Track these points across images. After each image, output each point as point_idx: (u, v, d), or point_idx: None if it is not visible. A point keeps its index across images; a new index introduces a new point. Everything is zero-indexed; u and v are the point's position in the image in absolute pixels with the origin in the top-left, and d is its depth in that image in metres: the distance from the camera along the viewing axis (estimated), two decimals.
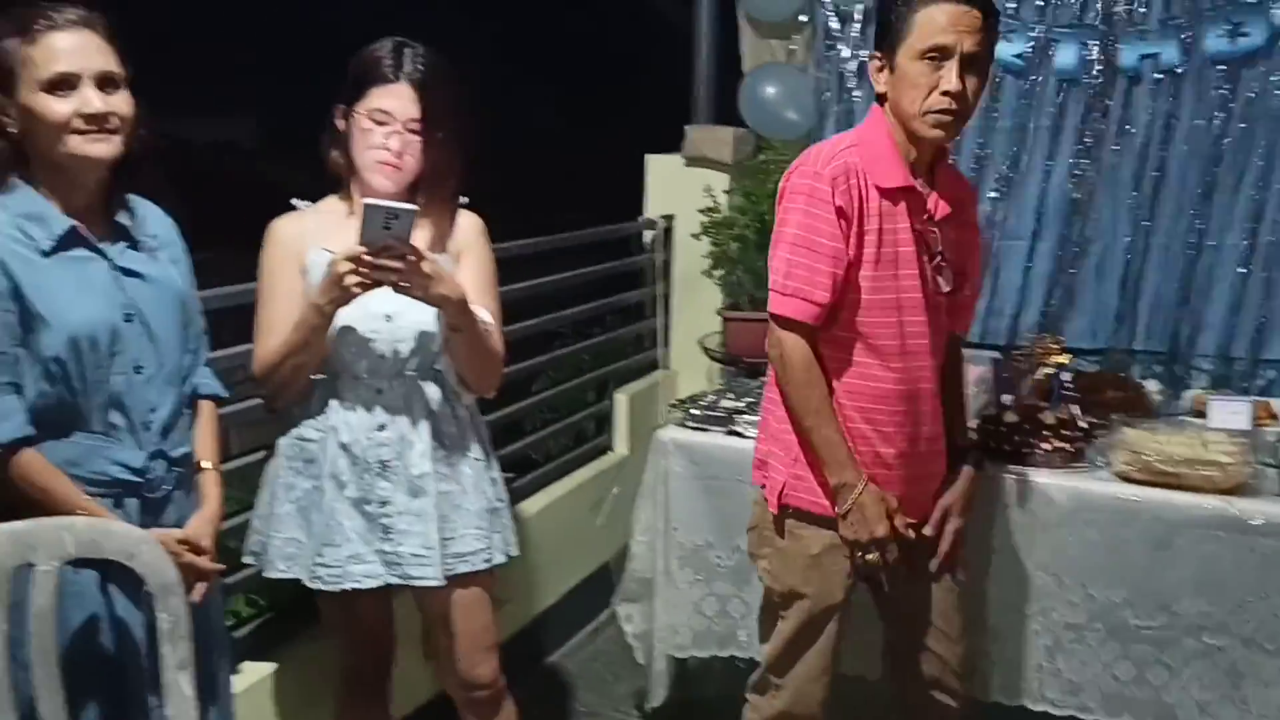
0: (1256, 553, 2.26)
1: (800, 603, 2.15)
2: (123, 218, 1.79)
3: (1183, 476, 2.33)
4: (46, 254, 1.68)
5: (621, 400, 3.75)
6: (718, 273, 3.73)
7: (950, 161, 2.21)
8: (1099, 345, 3.28)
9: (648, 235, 3.95)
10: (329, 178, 2.22)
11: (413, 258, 1.96)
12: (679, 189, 3.84)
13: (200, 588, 1.78)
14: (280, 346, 2.08)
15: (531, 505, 3.34)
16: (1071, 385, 2.77)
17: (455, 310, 2.06)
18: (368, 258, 1.94)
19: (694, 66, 3.97)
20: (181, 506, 1.83)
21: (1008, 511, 2.43)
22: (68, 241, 1.70)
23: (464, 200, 2.25)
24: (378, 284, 1.98)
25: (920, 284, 2.07)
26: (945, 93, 1.96)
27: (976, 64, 1.98)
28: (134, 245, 1.79)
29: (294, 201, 2.22)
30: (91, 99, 1.67)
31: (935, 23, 1.95)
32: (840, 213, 2.01)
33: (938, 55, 1.96)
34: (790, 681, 2.21)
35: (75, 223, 1.71)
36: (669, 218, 3.92)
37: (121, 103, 1.70)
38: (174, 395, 1.82)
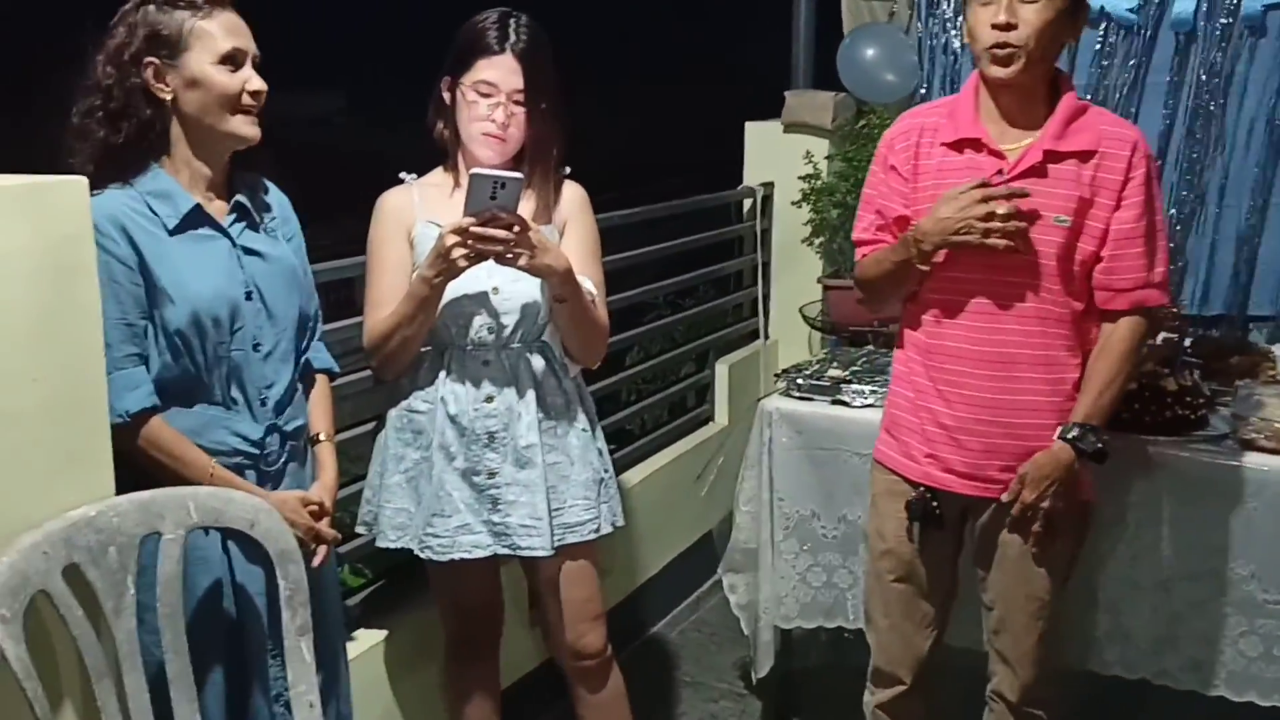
0: None
1: (868, 546, 2.28)
2: (243, 197, 1.83)
3: None
4: (172, 232, 1.73)
5: (722, 370, 3.74)
6: (818, 240, 3.69)
7: (1090, 109, 2.06)
8: (1215, 311, 3.16)
9: (747, 203, 3.92)
10: (437, 149, 2.23)
11: (519, 227, 1.96)
12: (778, 156, 3.79)
13: (321, 551, 1.83)
14: (389, 319, 2.10)
15: (633, 476, 3.35)
16: (1192, 351, 2.68)
17: (561, 280, 2.06)
18: (475, 229, 1.95)
19: (793, 30, 3.91)
20: (296, 478, 1.88)
21: (1126, 483, 2.35)
22: (192, 220, 1.75)
23: (567, 170, 2.24)
24: (484, 257, 1.99)
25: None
26: (994, 26, 1.94)
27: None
28: (253, 224, 1.84)
29: (402, 175, 2.24)
30: (254, 78, 1.75)
31: None
32: (894, 170, 2.14)
33: None
34: (873, 633, 2.31)
35: (198, 201, 1.75)
36: (768, 185, 3.87)
37: (262, 83, 1.77)
38: (289, 371, 1.85)
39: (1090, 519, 2.17)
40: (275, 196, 1.92)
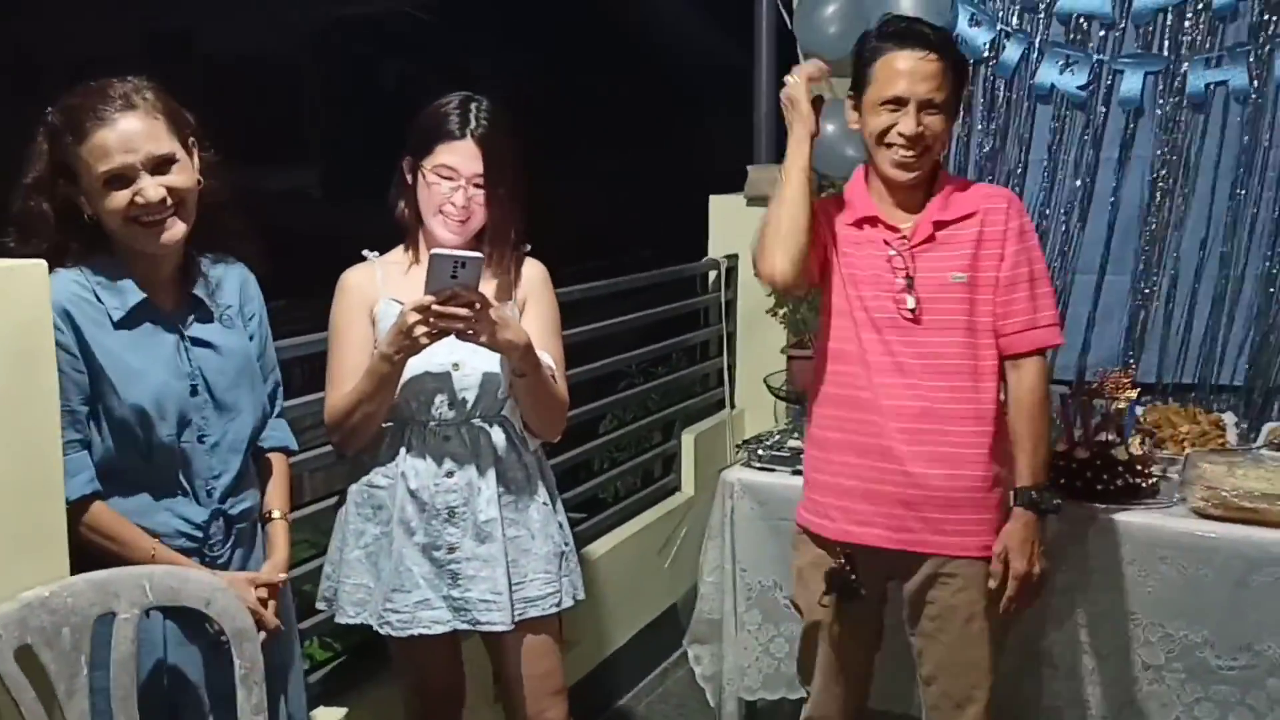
0: None
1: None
2: (199, 289, 1.82)
3: (1261, 512, 2.28)
4: (117, 325, 1.72)
5: (688, 440, 3.76)
6: (781, 311, 3.73)
7: (965, 181, 2.26)
8: (1171, 380, 3.22)
9: (712, 275, 3.97)
10: (397, 228, 2.27)
11: (479, 305, 2.00)
12: (742, 228, 3.83)
13: (260, 636, 1.80)
14: (350, 395, 2.12)
15: (599, 547, 3.35)
16: (1144, 420, 2.73)
17: (521, 356, 2.09)
18: (436, 307, 1.98)
19: (754, 106, 4.00)
20: (243, 563, 1.86)
21: (1080, 549, 2.39)
22: (139, 314, 1.74)
23: (527, 248, 2.28)
24: (445, 333, 2.02)
25: (892, 304, 2.15)
26: (902, 135, 2.09)
27: (937, 108, 2.10)
28: (207, 315, 1.83)
29: (365, 252, 2.27)
30: (145, 188, 1.68)
31: (891, 71, 2.10)
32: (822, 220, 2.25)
33: (894, 104, 2.09)
34: (807, 689, 2.39)
35: (145, 296, 1.74)
36: (732, 257, 3.93)
37: (178, 179, 1.72)
38: (238, 460, 1.85)
39: None
40: (238, 277, 1.91)
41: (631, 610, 3.46)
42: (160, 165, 1.71)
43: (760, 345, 3.82)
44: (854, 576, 2.20)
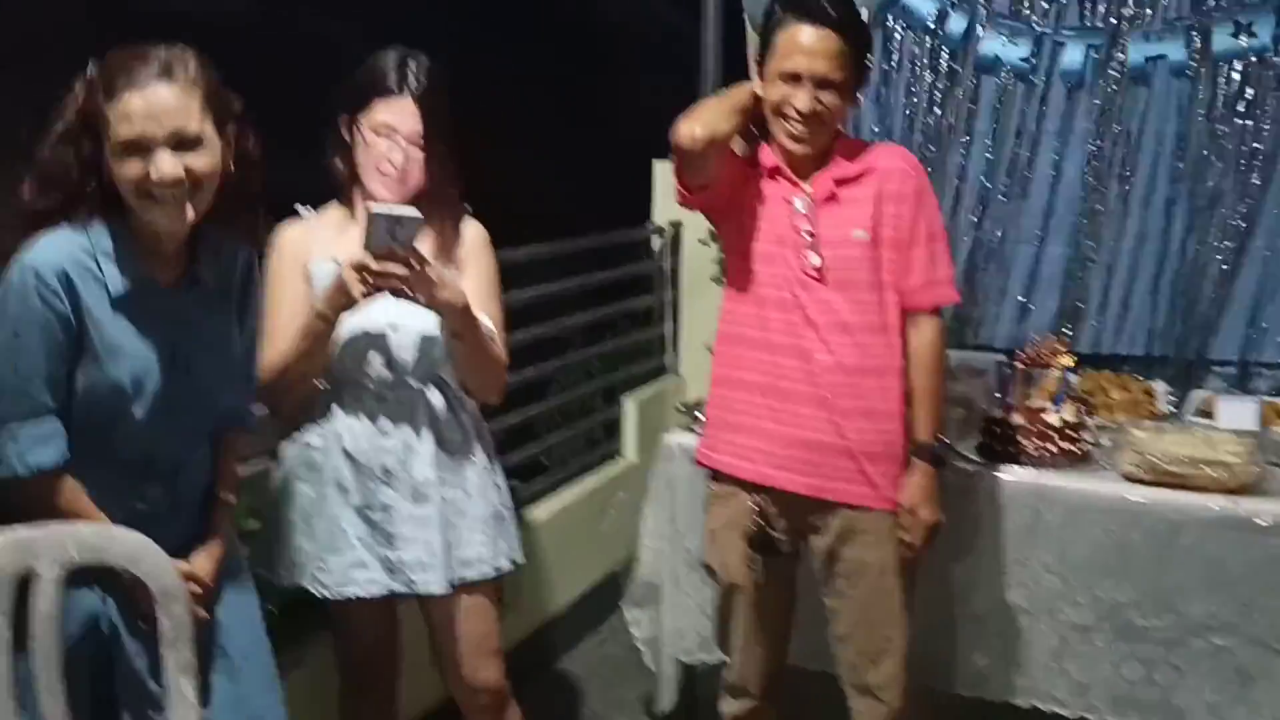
0: (1264, 552, 2.25)
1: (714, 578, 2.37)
2: (203, 267, 1.76)
3: (1189, 477, 2.32)
4: (114, 298, 1.66)
5: (631, 406, 3.76)
6: (725, 280, 3.73)
7: (860, 142, 2.29)
8: (1106, 350, 3.26)
9: (656, 241, 3.96)
10: (332, 185, 2.23)
11: (417, 263, 1.97)
12: None
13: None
14: (285, 354, 2.09)
15: (541, 511, 3.36)
16: (1077, 387, 2.77)
17: (458, 316, 2.07)
18: (374, 265, 1.96)
19: (700, 71, 3.98)
20: (185, 532, 1.82)
21: (1013, 512, 2.42)
22: (136, 289, 1.68)
23: (467, 209, 2.26)
24: (382, 290, 1.99)
25: (795, 260, 2.18)
26: (797, 110, 2.12)
27: (834, 86, 2.12)
28: (205, 297, 1.78)
29: (298, 208, 2.24)
30: (162, 163, 1.60)
31: (791, 45, 2.11)
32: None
33: (791, 79, 2.11)
34: (727, 649, 2.41)
35: (145, 270, 1.69)
36: (676, 224, 3.93)
37: (199, 161, 1.63)
38: (203, 441, 1.82)
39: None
40: (243, 260, 1.85)
41: (572, 574, 3.47)
42: (184, 143, 1.62)
43: (703, 312, 3.81)
44: (772, 532, 2.24)
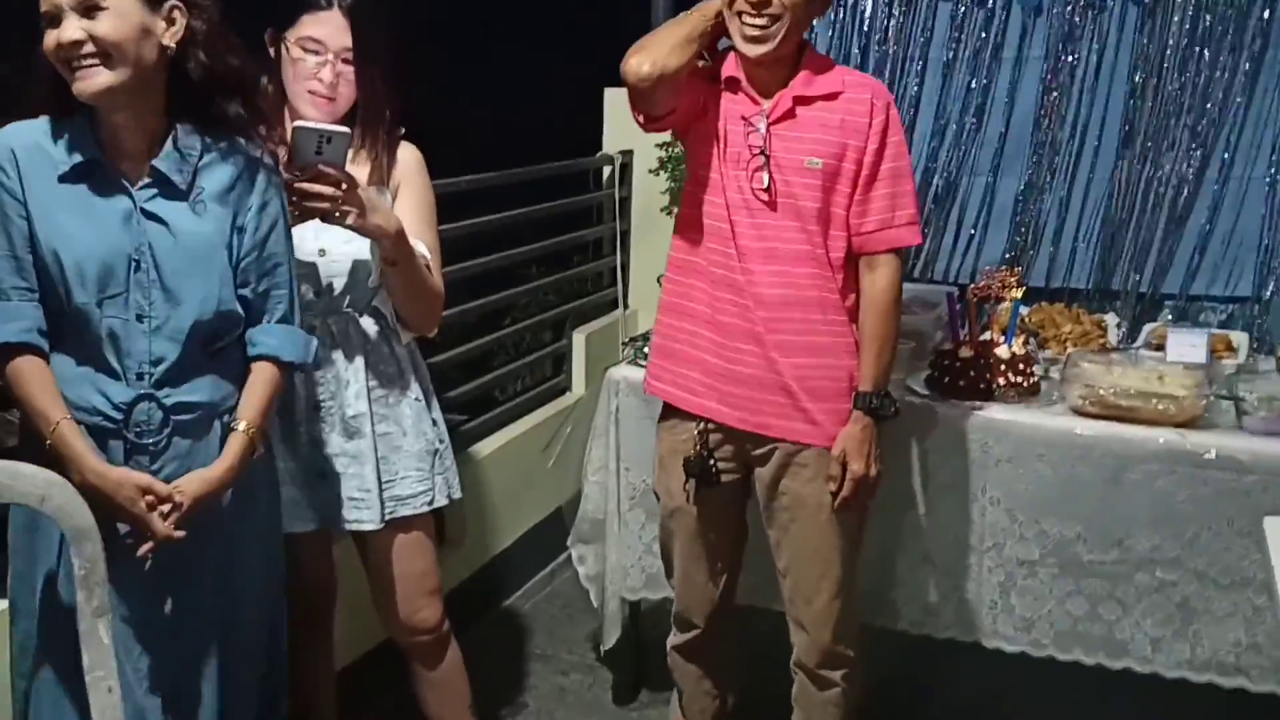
0: (1209, 486, 2.23)
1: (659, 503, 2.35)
2: (168, 163, 1.70)
3: (1136, 410, 2.29)
4: (61, 178, 1.66)
5: (579, 340, 3.70)
6: (676, 209, 3.66)
7: (833, 63, 2.16)
8: (1057, 283, 3.23)
9: (606, 170, 3.87)
10: None
11: (346, 184, 1.88)
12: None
13: (145, 545, 1.70)
14: None
15: (487, 446, 3.30)
16: (1029, 320, 2.74)
17: (392, 243, 1.98)
18: (300, 184, 1.86)
19: None
20: (187, 459, 1.75)
21: (961, 447, 2.39)
22: (85, 171, 1.67)
23: (402, 131, 2.16)
24: (310, 215, 1.90)
25: (744, 183, 2.09)
26: (748, 2, 1.99)
27: None
28: (174, 192, 1.71)
29: None
30: (65, 28, 1.60)
31: None
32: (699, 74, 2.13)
33: None
34: (672, 581, 2.39)
35: (96, 156, 1.68)
36: (627, 153, 3.83)
37: (104, 25, 1.61)
38: (178, 349, 1.72)
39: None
40: (239, 164, 1.76)
41: (519, 510, 3.42)
42: (89, 9, 1.61)
43: (654, 244, 3.74)
44: (711, 461, 2.19)
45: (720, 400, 2.17)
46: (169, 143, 1.71)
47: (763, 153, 2.07)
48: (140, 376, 1.70)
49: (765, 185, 2.07)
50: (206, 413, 1.76)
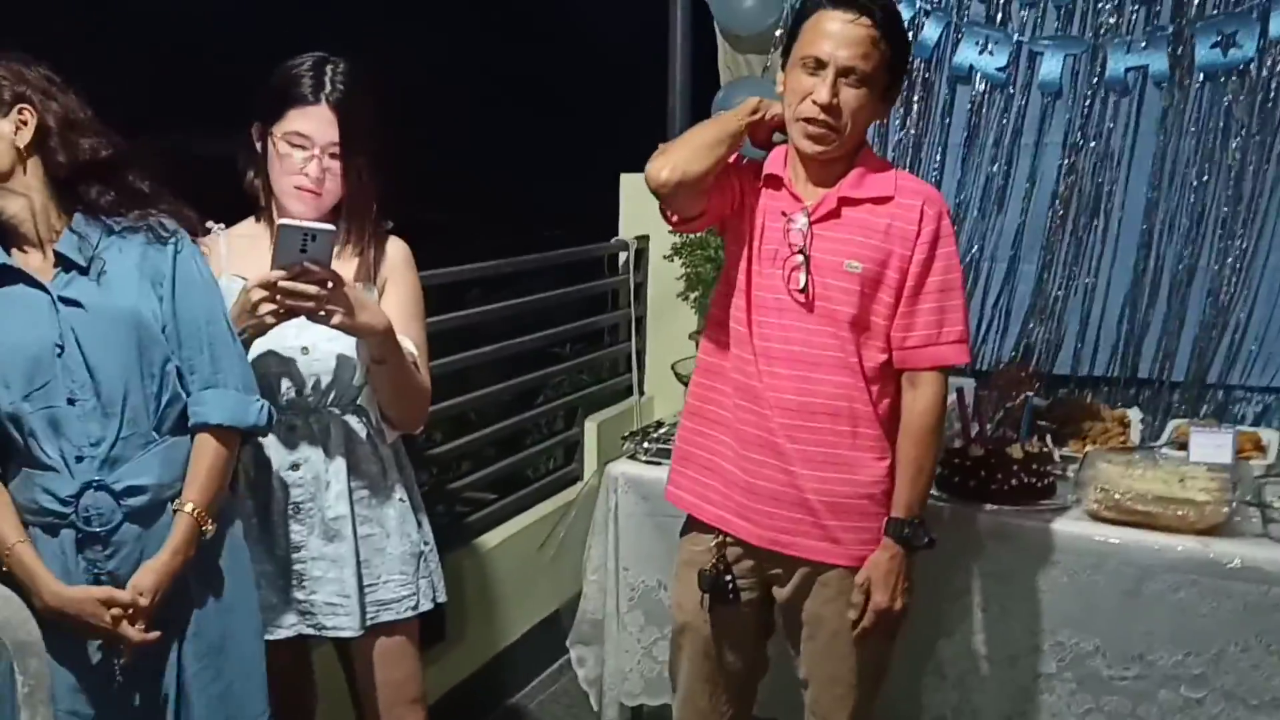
0: (1234, 599, 2.11)
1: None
2: (69, 246, 1.71)
3: (1156, 516, 2.18)
4: None
5: (591, 428, 3.62)
6: (692, 295, 3.61)
7: (889, 167, 2.07)
8: (1083, 373, 3.13)
9: (622, 256, 3.83)
10: (246, 199, 2.11)
11: (332, 283, 1.84)
12: (654, 208, 3.68)
13: (124, 658, 1.69)
14: None
15: (493, 537, 3.22)
16: (1046, 415, 2.63)
17: (380, 341, 1.94)
18: (284, 283, 1.82)
19: (669, 81, 3.85)
20: (140, 543, 1.72)
21: (972, 551, 2.28)
22: (2, 276, 1.68)
23: (389, 225, 2.13)
24: (294, 314, 1.86)
25: (782, 284, 2.00)
26: (815, 102, 1.92)
27: (860, 79, 1.93)
28: (81, 272, 1.72)
29: (209, 224, 2.11)
30: None
31: (817, 31, 1.93)
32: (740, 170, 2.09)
33: (814, 64, 1.93)
34: (674, 701, 2.27)
35: (7, 259, 1.68)
36: (643, 238, 3.79)
37: None
38: (126, 425, 1.71)
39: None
40: (144, 240, 1.78)
41: (525, 604, 3.32)
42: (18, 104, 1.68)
43: (670, 330, 3.70)
44: (729, 578, 2.07)
45: (739, 513, 2.06)
46: (65, 230, 1.73)
47: (802, 252, 1.98)
48: (81, 460, 1.69)
49: (802, 286, 1.97)
50: (155, 494, 1.74)
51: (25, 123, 1.70)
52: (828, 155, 1.98)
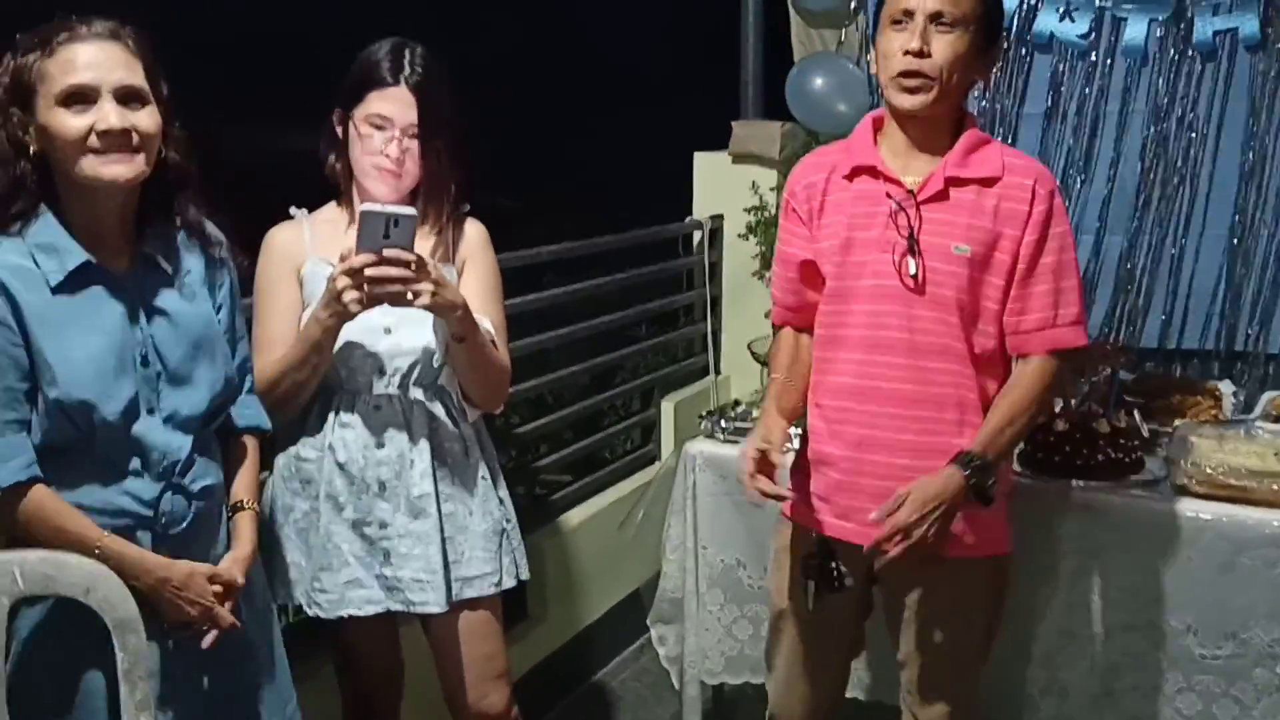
0: None
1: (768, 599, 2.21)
2: (152, 247, 1.68)
3: (1249, 491, 2.11)
4: (55, 289, 1.58)
5: (668, 408, 3.63)
6: (767, 274, 3.59)
7: (994, 143, 1.98)
8: (1172, 345, 3.05)
9: (696, 236, 3.82)
10: (328, 184, 2.14)
11: (415, 265, 1.86)
12: (728, 187, 3.70)
13: (210, 635, 1.70)
14: (279, 363, 2.00)
15: (575, 516, 3.25)
16: (1134, 389, 2.57)
17: (458, 320, 1.96)
18: (371, 271, 1.85)
19: (741, 59, 3.83)
20: (207, 544, 1.75)
21: (1060, 528, 2.24)
22: (81, 277, 1.60)
23: (467, 207, 2.15)
24: (379, 300, 1.88)
25: (890, 269, 1.92)
26: (906, 52, 1.85)
27: (951, 22, 1.85)
28: (164, 279, 1.70)
29: (292, 210, 2.15)
30: (109, 113, 1.55)
31: None
32: (794, 213, 2.06)
33: (903, 19, 1.87)
34: (770, 680, 2.24)
35: (89, 257, 1.60)
36: (717, 217, 3.78)
37: (145, 119, 1.59)
38: (195, 435, 1.72)
39: (1006, 575, 2.04)
40: (202, 243, 1.76)
41: (606, 583, 3.35)
42: (130, 97, 1.58)
43: (745, 309, 3.69)
44: (833, 564, 2.00)
45: (841, 516, 2.00)
46: (148, 231, 1.69)
47: (910, 236, 1.90)
48: (159, 468, 1.67)
49: (914, 272, 1.89)
50: (219, 494, 1.77)
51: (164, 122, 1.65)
52: (928, 111, 1.89)
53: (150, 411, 1.66)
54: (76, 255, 1.59)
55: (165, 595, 1.64)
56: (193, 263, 1.75)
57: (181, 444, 1.69)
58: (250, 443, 1.86)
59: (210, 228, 1.78)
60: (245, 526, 1.80)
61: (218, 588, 1.69)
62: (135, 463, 1.66)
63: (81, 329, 1.60)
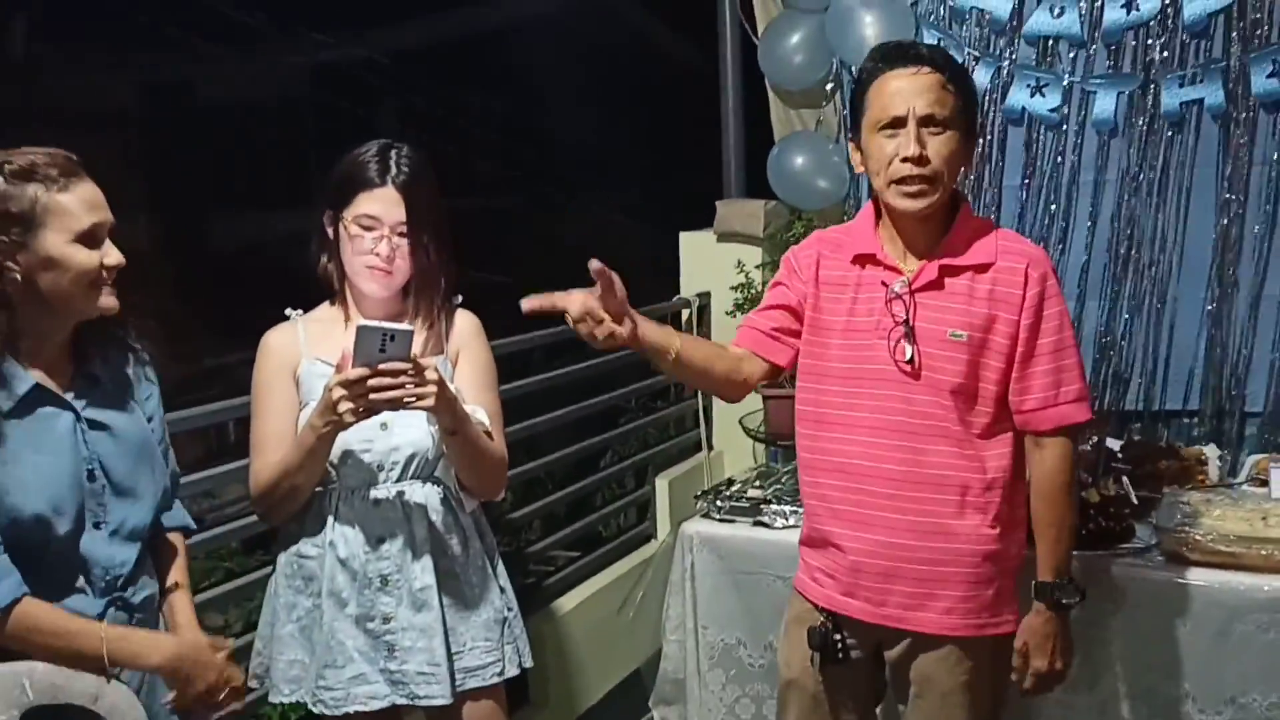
0: None
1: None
2: (95, 366, 1.72)
3: (1240, 556, 2.14)
4: (6, 414, 1.59)
5: (662, 485, 3.64)
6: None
7: (989, 226, 2.03)
8: (1155, 408, 3.10)
9: (684, 313, 3.87)
10: (320, 285, 2.18)
11: (413, 373, 1.89)
12: (713, 265, 3.76)
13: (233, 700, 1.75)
14: (276, 465, 2.03)
15: (572, 599, 3.25)
16: (1121, 456, 2.61)
17: (449, 413, 1.99)
18: (373, 382, 1.87)
19: (723, 140, 3.92)
20: None
21: None
22: (30, 401, 1.62)
23: (459, 299, 2.19)
24: (375, 410, 1.91)
25: (886, 354, 1.98)
26: (905, 159, 1.90)
27: (940, 124, 1.91)
28: (103, 395, 1.72)
29: (287, 311, 2.19)
30: (112, 251, 1.65)
31: (884, 93, 1.93)
32: (795, 274, 2.11)
33: (892, 124, 1.92)
34: None
35: (38, 380, 1.63)
36: (704, 295, 3.83)
37: (117, 252, 1.68)
38: (138, 547, 1.74)
39: (1010, 653, 2.04)
40: (130, 357, 1.80)
41: (607, 664, 3.34)
42: (113, 234, 1.68)
43: None
44: (838, 637, 2.04)
45: (846, 593, 2.04)
46: (88, 347, 1.72)
47: (905, 322, 1.96)
48: (101, 583, 1.68)
49: (909, 357, 1.95)
50: (154, 609, 1.78)
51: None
52: (929, 210, 1.95)
53: (97, 525, 1.67)
54: (24, 380, 1.62)
55: (183, 667, 1.67)
56: (125, 375, 1.78)
57: (127, 557, 1.71)
58: (178, 539, 1.88)
59: (133, 339, 1.81)
60: (180, 603, 1.82)
61: (224, 651, 1.74)
62: (80, 579, 1.66)
63: (32, 449, 1.61)
